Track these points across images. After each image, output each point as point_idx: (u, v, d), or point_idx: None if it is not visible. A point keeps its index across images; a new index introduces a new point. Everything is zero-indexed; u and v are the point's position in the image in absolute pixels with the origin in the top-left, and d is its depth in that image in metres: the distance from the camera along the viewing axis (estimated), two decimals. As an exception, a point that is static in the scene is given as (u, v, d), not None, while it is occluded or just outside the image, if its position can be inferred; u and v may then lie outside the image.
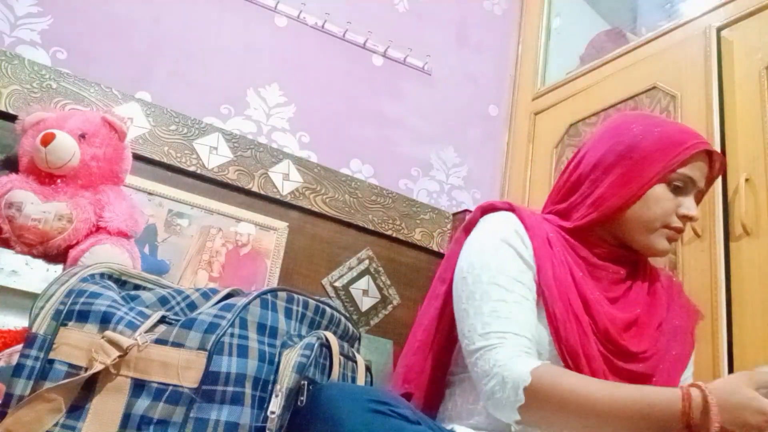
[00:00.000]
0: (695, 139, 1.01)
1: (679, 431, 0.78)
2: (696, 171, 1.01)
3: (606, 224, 1.02)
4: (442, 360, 1.05)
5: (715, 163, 1.04)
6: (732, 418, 0.76)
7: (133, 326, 0.79)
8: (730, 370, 1.24)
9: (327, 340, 0.87)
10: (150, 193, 1.54)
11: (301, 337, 0.87)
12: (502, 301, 0.92)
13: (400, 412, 0.73)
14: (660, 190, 0.99)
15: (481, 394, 0.90)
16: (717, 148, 1.41)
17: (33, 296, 0.91)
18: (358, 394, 0.74)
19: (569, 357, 0.91)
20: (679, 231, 1.02)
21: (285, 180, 1.72)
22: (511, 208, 1.03)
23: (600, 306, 0.96)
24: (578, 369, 0.90)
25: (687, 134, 1.01)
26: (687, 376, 1.05)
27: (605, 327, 0.95)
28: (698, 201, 1.05)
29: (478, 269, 0.96)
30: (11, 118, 1.36)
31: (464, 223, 1.08)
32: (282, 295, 0.89)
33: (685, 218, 1.01)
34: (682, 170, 0.99)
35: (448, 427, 0.94)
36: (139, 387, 0.75)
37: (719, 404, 0.77)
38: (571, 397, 0.82)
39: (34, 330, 0.77)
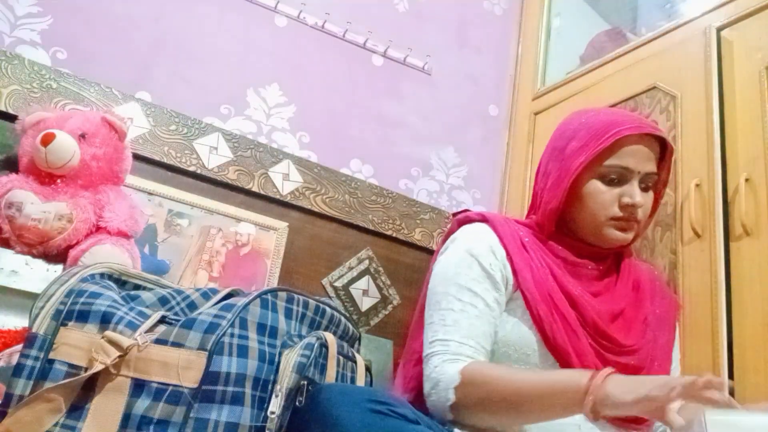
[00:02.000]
0: (620, 126, 0.98)
1: (581, 408, 0.78)
2: (628, 158, 0.99)
3: (562, 226, 1.05)
4: None
5: (665, 145, 1.03)
6: (632, 389, 0.74)
7: (133, 326, 0.79)
8: (730, 370, 1.23)
9: (326, 340, 0.87)
10: (150, 193, 1.54)
11: (301, 337, 0.87)
12: (449, 310, 0.95)
13: (399, 412, 0.73)
14: (594, 186, 1.00)
15: (426, 395, 0.93)
16: (717, 148, 1.41)
17: (33, 296, 0.91)
18: (357, 394, 0.75)
19: (559, 355, 0.92)
20: (627, 219, 1.01)
21: (285, 180, 1.72)
22: (484, 219, 1.05)
23: (584, 299, 0.97)
24: (570, 366, 0.90)
25: (612, 124, 0.99)
26: (674, 368, 1.05)
27: (593, 319, 0.95)
28: (662, 185, 1.05)
29: (437, 280, 1.00)
30: (11, 118, 1.36)
31: (444, 233, 1.11)
32: (282, 295, 0.89)
33: (627, 207, 0.99)
34: (610, 161, 0.99)
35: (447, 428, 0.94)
36: (139, 387, 0.75)
37: (623, 379, 0.77)
38: (497, 386, 0.85)
39: (34, 330, 0.77)
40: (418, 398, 0.99)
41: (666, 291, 1.11)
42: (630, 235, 1.02)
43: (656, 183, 1.05)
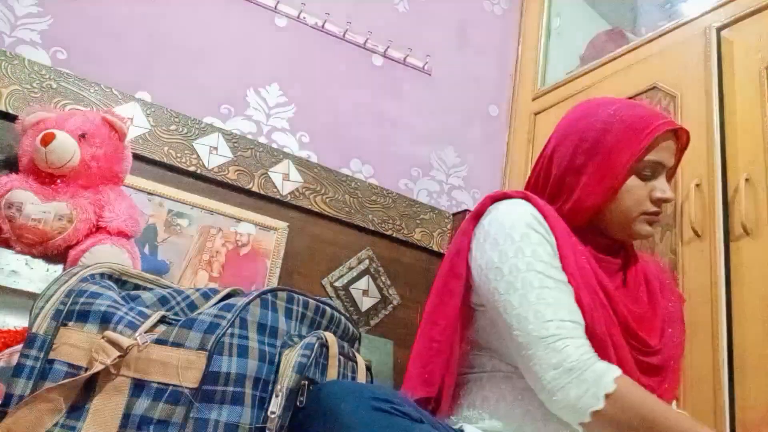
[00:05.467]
0: (657, 120, 0.98)
1: None
2: (663, 153, 0.99)
3: (590, 221, 1.02)
4: (460, 360, 1.01)
5: (682, 139, 1.03)
6: None
7: (133, 326, 0.78)
8: (730, 370, 1.24)
9: (326, 340, 0.87)
10: (150, 193, 1.54)
11: (301, 337, 0.87)
12: (546, 288, 0.90)
13: (403, 410, 0.72)
14: (632, 182, 0.99)
15: (539, 386, 0.86)
16: (717, 148, 1.41)
17: (33, 296, 0.91)
18: (360, 392, 0.74)
19: (597, 346, 0.89)
20: (657, 214, 1.01)
21: (285, 180, 1.72)
22: (525, 197, 1.00)
23: (617, 296, 0.95)
24: (606, 358, 0.88)
25: (647, 118, 0.99)
26: None
27: (625, 318, 0.94)
28: (670, 177, 1.04)
29: (513, 257, 0.92)
30: (11, 118, 1.36)
31: (471, 212, 1.04)
32: (282, 295, 0.89)
33: (660, 201, 0.99)
34: (648, 157, 0.98)
35: (456, 427, 0.93)
36: (139, 387, 0.75)
37: None
38: (646, 415, 0.81)
39: (34, 330, 0.77)
40: (446, 392, 0.95)
41: (672, 284, 1.10)
42: (655, 228, 1.02)
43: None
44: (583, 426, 0.84)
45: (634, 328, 0.94)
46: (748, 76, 1.43)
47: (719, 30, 1.53)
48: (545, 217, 0.97)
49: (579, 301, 0.90)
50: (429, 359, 0.98)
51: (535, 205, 0.98)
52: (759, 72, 1.41)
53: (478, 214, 1.02)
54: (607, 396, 0.81)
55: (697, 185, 1.40)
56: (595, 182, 0.99)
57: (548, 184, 1.05)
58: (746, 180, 1.33)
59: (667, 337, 0.99)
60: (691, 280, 1.35)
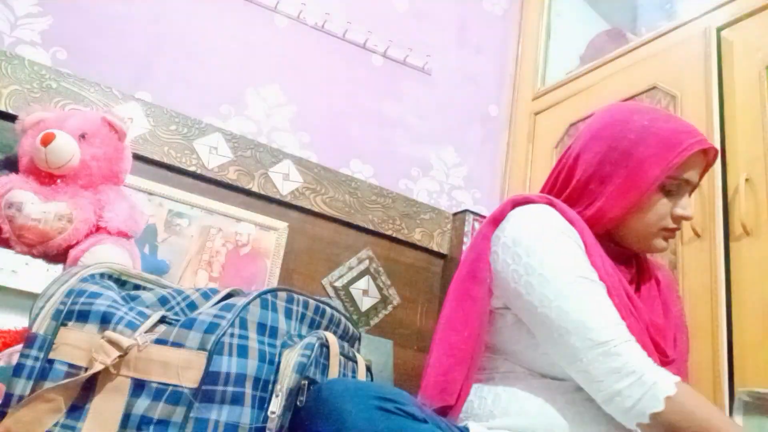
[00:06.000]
0: (692, 138, 0.97)
1: None
2: (691, 171, 0.98)
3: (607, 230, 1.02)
4: (478, 366, 0.99)
5: (710, 156, 1.01)
6: None
7: (133, 326, 0.78)
8: (730, 370, 1.23)
9: (327, 340, 0.87)
10: (150, 193, 1.54)
11: (301, 337, 0.87)
12: (594, 293, 0.90)
13: (407, 410, 0.72)
14: (657, 198, 0.98)
15: (595, 388, 0.86)
16: (717, 148, 1.40)
17: (33, 296, 0.91)
18: (364, 390, 0.73)
19: None
20: (676, 230, 1.01)
21: (285, 180, 1.72)
22: (550, 203, 0.98)
23: (640, 304, 0.95)
24: None
25: (683, 134, 0.97)
26: None
27: (648, 328, 0.94)
28: (691, 193, 1.03)
29: (554, 264, 0.91)
30: (11, 118, 1.36)
31: (491, 216, 1.02)
32: (282, 295, 0.89)
33: (681, 218, 0.99)
34: (676, 173, 0.97)
35: (462, 425, 0.92)
36: (139, 387, 0.75)
37: None
38: (702, 421, 0.81)
39: (34, 330, 0.77)
40: (452, 397, 0.93)
41: (676, 288, 1.11)
42: (669, 245, 1.02)
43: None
44: (639, 427, 0.84)
45: (654, 336, 0.94)
46: (748, 76, 1.43)
47: (719, 30, 1.53)
48: (571, 222, 0.96)
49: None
50: (450, 367, 0.96)
51: (560, 211, 0.97)
52: (759, 72, 1.41)
53: (499, 218, 1.00)
54: (667, 398, 0.82)
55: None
56: (620, 194, 0.97)
57: (568, 188, 1.03)
58: (746, 180, 1.33)
59: (679, 347, 0.99)
60: (691, 280, 1.35)
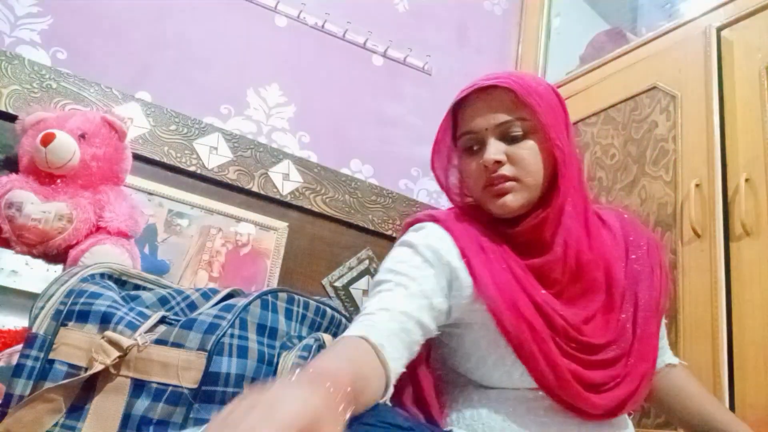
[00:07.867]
0: (464, 92, 0.93)
1: None
2: (469, 121, 0.92)
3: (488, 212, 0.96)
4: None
5: (499, 92, 0.90)
6: None
7: (133, 326, 0.79)
8: (730, 370, 1.23)
9: (324, 341, 0.87)
10: (150, 193, 1.54)
11: (301, 338, 0.87)
12: (387, 291, 0.83)
13: (390, 422, 0.69)
14: (465, 163, 0.95)
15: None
16: (717, 148, 1.40)
17: (33, 296, 0.91)
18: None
19: (527, 362, 0.85)
20: (496, 182, 0.90)
21: (285, 180, 1.72)
22: (434, 219, 0.94)
23: (549, 306, 0.88)
24: (539, 371, 0.84)
25: (459, 93, 0.94)
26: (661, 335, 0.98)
27: (562, 326, 0.87)
28: (503, 137, 0.91)
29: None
30: (11, 118, 1.36)
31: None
32: (282, 296, 0.89)
33: (487, 169, 0.90)
34: (460, 130, 0.94)
35: (447, 429, 0.92)
36: (139, 387, 0.75)
37: None
38: None
39: (34, 330, 0.77)
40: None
41: (643, 236, 0.99)
42: (515, 197, 0.90)
43: (532, 129, 0.90)
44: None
45: (573, 334, 0.87)
46: (748, 76, 1.43)
47: (719, 30, 1.52)
48: (456, 238, 0.89)
49: (501, 325, 0.84)
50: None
51: (445, 227, 0.91)
52: (759, 72, 1.41)
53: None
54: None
55: (697, 185, 1.40)
56: (446, 177, 1.00)
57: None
58: (746, 180, 1.33)
59: (627, 316, 0.91)
60: (691, 280, 1.35)
